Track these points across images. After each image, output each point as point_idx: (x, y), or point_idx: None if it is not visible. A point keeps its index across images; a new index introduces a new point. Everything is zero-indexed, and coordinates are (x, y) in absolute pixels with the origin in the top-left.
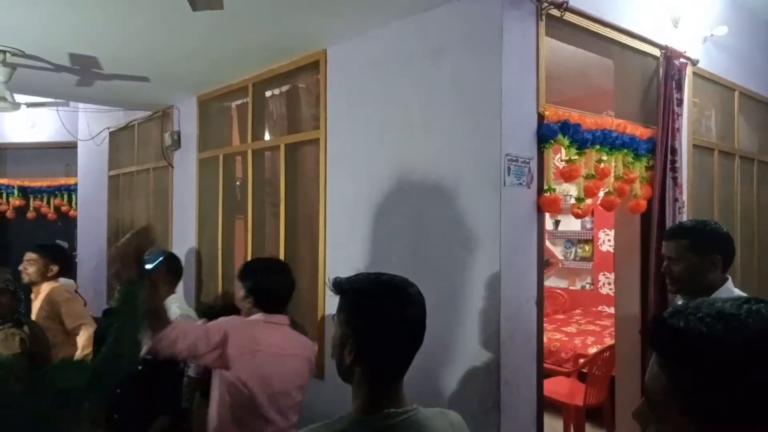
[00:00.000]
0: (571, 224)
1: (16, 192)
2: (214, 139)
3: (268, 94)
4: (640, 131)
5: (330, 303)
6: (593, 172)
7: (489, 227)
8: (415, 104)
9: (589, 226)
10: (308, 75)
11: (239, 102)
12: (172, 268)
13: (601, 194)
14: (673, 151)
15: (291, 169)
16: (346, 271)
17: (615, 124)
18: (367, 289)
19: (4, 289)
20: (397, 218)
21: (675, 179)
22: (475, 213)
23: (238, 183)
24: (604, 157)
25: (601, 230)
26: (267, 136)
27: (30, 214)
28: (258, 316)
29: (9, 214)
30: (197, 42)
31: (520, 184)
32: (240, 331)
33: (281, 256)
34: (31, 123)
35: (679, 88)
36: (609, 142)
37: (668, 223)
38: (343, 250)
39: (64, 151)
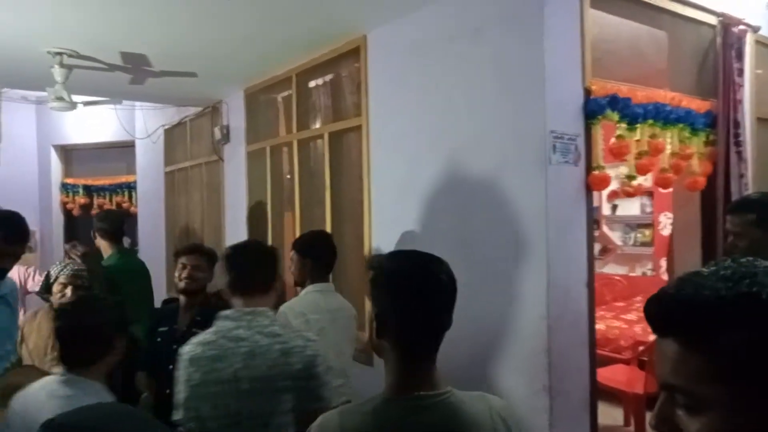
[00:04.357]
0: (629, 209)
1: (81, 191)
2: (262, 131)
3: (311, 84)
4: (697, 104)
5: None
6: (646, 149)
7: (534, 207)
8: (457, 86)
9: (648, 209)
10: (349, 63)
11: (285, 94)
12: None
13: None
14: (736, 125)
15: (336, 158)
16: None
17: (668, 97)
18: (387, 263)
19: (81, 285)
20: (441, 202)
21: (740, 153)
22: (520, 193)
23: (288, 176)
24: (658, 133)
25: (662, 214)
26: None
27: (94, 212)
28: None
29: (75, 211)
30: (241, 35)
31: (567, 162)
32: None
33: None
34: (93, 124)
35: (740, 57)
36: (662, 116)
37: None
38: (389, 236)
39: (123, 150)
